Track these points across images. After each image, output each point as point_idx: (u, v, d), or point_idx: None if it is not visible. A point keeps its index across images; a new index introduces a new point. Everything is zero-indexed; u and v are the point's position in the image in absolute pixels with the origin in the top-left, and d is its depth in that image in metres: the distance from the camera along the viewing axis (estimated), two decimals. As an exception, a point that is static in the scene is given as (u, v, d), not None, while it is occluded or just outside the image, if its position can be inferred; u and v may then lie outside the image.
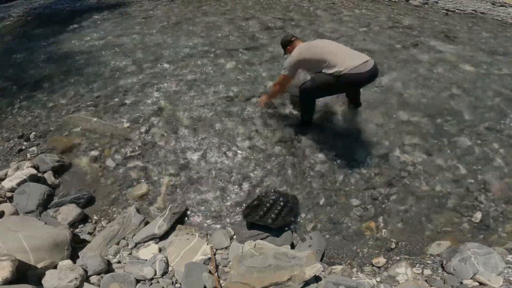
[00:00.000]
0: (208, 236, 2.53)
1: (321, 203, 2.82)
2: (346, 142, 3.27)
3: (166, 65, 4.09)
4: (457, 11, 5.53)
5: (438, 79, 3.98)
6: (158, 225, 2.51)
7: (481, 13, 5.49)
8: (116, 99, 3.65)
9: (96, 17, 5.00)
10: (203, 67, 4.08)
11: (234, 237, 2.51)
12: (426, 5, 5.74)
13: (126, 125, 3.39)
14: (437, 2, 5.76)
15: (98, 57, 4.22)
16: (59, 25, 4.84)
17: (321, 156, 3.15)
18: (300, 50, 2.96)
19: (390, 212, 2.78)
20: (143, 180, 2.96)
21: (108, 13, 5.07)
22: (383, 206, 2.82)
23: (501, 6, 5.57)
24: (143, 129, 3.35)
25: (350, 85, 2.95)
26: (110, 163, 3.08)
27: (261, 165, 3.08)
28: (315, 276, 1.98)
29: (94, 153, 3.15)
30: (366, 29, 5.24)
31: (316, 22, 5.34)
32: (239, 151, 3.19)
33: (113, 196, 2.86)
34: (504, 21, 5.37)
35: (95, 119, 3.43)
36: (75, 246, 2.38)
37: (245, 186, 2.94)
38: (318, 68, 2.86)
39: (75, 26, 4.77)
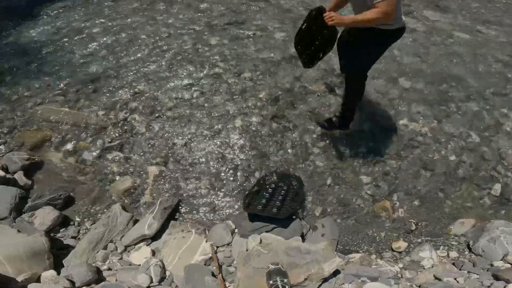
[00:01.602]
0: (207, 232, 2.25)
1: (328, 183, 2.57)
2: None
3: (142, 47, 3.70)
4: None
5: (435, 47, 3.79)
6: (148, 224, 2.21)
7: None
8: (87, 86, 3.28)
9: (60, 5, 4.51)
10: (184, 46, 3.71)
11: (236, 231, 2.22)
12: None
13: (100, 112, 3.03)
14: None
15: (64, 45, 3.80)
16: (19, 16, 4.34)
17: (323, 130, 2.87)
18: None
19: (404, 188, 2.56)
20: (126, 173, 2.63)
21: (73, 1, 4.60)
22: (396, 181, 2.59)
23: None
24: (120, 116, 2.99)
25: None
26: (87, 156, 2.73)
27: (257, 145, 2.79)
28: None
29: (68, 146, 2.80)
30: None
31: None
32: (231, 131, 2.88)
33: (95, 193, 2.56)
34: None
35: (65, 109, 3.05)
36: (59, 253, 2.16)
37: (242, 170, 2.65)
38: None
39: (37, 16, 4.29)
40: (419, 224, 2.36)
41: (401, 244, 2.21)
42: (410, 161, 2.70)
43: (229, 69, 3.40)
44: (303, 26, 2.41)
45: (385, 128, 2.91)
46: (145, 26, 4.02)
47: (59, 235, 2.33)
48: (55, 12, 4.42)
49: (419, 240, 2.26)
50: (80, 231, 2.38)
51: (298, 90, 3.20)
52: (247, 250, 1.96)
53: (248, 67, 3.43)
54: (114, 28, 4.00)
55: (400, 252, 2.19)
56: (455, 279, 1.88)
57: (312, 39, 2.32)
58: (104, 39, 3.84)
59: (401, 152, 2.75)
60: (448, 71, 3.47)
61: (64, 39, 3.88)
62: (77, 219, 2.44)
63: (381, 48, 2.36)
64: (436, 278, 1.88)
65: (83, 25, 4.10)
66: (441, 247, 2.21)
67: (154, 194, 2.52)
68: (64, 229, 2.38)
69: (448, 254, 2.16)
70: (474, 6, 4.68)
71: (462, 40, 3.89)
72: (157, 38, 3.83)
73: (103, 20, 4.15)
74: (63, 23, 4.16)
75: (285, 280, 1.56)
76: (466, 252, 2.17)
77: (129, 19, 4.15)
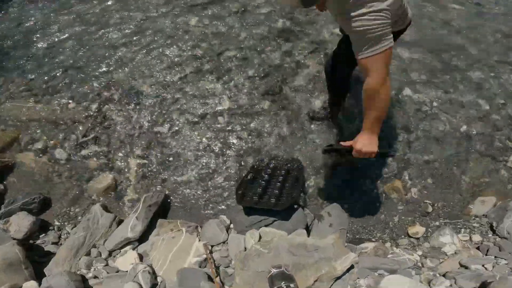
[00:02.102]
0: (199, 230, 1.99)
1: (329, 164, 2.31)
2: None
3: (114, 34, 3.36)
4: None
5: (430, 18, 3.53)
6: (131, 225, 1.96)
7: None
8: (55, 79, 2.96)
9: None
10: (162, 29, 3.37)
11: (231, 226, 1.97)
12: None
13: (71, 105, 2.72)
14: None
15: (27, 38, 3.44)
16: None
17: (319, 104, 2.60)
18: None
19: (415, 164, 2.32)
20: (105, 169, 2.36)
21: None
22: (405, 157, 2.35)
23: None
24: (93, 107, 2.69)
25: None
26: (60, 154, 2.45)
27: (249, 126, 2.52)
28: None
29: (39, 145, 2.51)
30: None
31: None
32: (219, 114, 2.60)
33: (72, 194, 2.30)
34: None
35: (32, 105, 2.75)
36: (40, 261, 2.00)
37: (234, 155, 2.38)
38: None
39: None
40: (436, 205, 2.12)
41: (418, 229, 1.98)
42: (419, 134, 2.46)
43: (212, 49, 3.09)
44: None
45: None
46: (117, 13, 3.64)
47: (39, 241, 2.12)
48: (19, 6, 4.04)
49: (437, 223, 2.03)
50: (61, 236, 2.16)
51: (289, 65, 2.90)
52: (245, 250, 1.71)
53: (232, 45, 3.12)
54: (83, 17, 3.63)
55: (417, 238, 1.96)
56: (483, 265, 1.65)
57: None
58: (72, 29, 3.49)
59: (408, 125, 2.51)
60: (447, 41, 3.24)
61: (28, 32, 3.53)
62: (57, 223, 2.21)
63: None
64: (462, 265, 1.66)
65: (47, 18, 3.72)
66: (462, 230, 1.98)
67: (138, 190, 2.26)
68: (43, 234, 2.16)
69: (470, 237, 1.93)
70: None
71: (456, 11, 3.66)
72: (131, 23, 3.47)
73: (70, 10, 3.77)
74: (26, 17, 3.79)
75: (292, 286, 1.31)
76: (490, 235, 1.95)
77: (99, 7, 3.77)
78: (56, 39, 3.37)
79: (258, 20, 3.36)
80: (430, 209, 2.08)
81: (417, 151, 2.38)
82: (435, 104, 2.65)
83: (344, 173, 2.27)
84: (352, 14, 1.31)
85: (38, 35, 3.46)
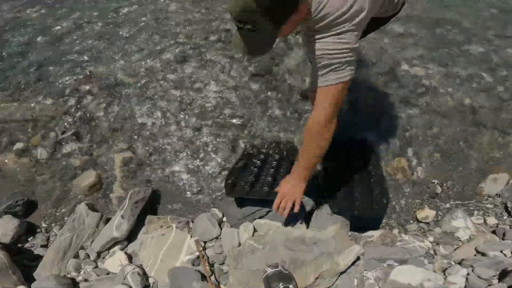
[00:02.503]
0: (190, 225, 1.85)
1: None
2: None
3: (89, 26, 3.19)
4: None
5: None
6: (116, 225, 1.82)
7: None
8: (30, 75, 2.81)
9: None
10: (139, 17, 3.21)
11: (224, 219, 1.83)
12: None
13: (48, 101, 2.57)
14: None
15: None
16: None
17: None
18: None
19: (419, 140, 2.17)
20: (88, 166, 2.22)
21: None
22: (407, 134, 2.20)
23: None
24: (72, 102, 2.53)
25: None
26: (41, 153, 2.31)
27: (238, 110, 2.36)
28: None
29: (19, 145, 2.37)
30: None
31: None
32: (206, 100, 2.44)
33: (57, 194, 2.16)
34: None
35: (9, 104, 2.61)
36: (30, 265, 1.90)
37: (224, 143, 2.23)
38: None
39: None
40: (444, 185, 1.97)
41: (428, 213, 1.83)
42: (420, 109, 2.32)
43: (194, 34, 2.92)
44: None
45: (384, 76, 2.52)
46: (91, 6, 3.49)
47: (28, 245, 2.01)
48: None
49: (448, 206, 1.88)
50: (50, 238, 2.05)
51: (277, 45, 2.73)
52: (239, 245, 1.57)
53: (216, 28, 2.96)
54: (55, 12, 3.47)
55: (427, 223, 1.81)
56: (501, 251, 1.50)
57: None
58: (44, 25, 3.33)
59: (408, 100, 2.37)
60: (441, 15, 3.11)
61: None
62: (44, 225, 2.09)
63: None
64: (478, 252, 1.51)
65: (15, 14, 3.57)
66: (475, 212, 1.83)
67: (125, 186, 2.12)
68: (31, 237, 2.05)
69: (485, 220, 1.79)
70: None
71: None
72: (108, 14, 3.31)
73: (41, 6, 3.61)
74: None
75: (290, 286, 1.17)
76: (506, 217, 1.80)
77: (70, 2, 3.60)
78: (29, 36, 3.22)
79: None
80: (439, 189, 1.92)
81: (420, 126, 2.24)
82: (434, 78, 2.52)
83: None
84: (316, 36, 1.12)
85: (10, 33, 3.31)
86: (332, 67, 1.13)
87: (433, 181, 1.98)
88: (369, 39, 2.77)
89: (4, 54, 3.08)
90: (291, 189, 1.36)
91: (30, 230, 2.06)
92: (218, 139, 2.24)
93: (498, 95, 2.41)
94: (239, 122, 2.30)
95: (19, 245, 1.99)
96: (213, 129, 2.29)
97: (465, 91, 2.43)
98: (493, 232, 1.69)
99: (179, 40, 2.90)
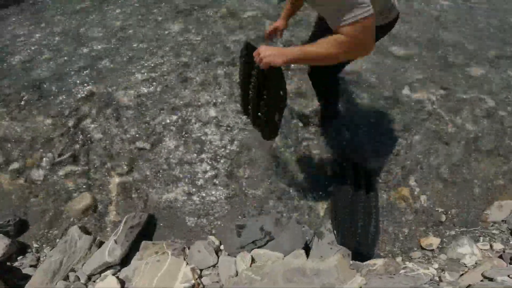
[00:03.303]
0: (187, 252, 1.79)
1: (329, 172, 2.12)
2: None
3: (92, 44, 3.21)
4: None
5: (419, 14, 3.45)
6: (108, 250, 1.76)
7: None
8: (31, 93, 2.79)
9: (3, 13, 4.01)
10: (143, 37, 3.23)
11: (222, 247, 1.76)
12: None
13: (48, 121, 2.55)
14: None
15: (4, 52, 3.30)
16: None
17: (314, 112, 2.44)
18: None
19: (421, 169, 2.13)
20: (84, 189, 2.17)
21: (15, 7, 4.08)
22: (410, 162, 2.16)
23: None
24: (71, 123, 2.51)
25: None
26: (36, 174, 2.27)
27: (237, 137, 2.34)
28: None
29: (15, 165, 2.34)
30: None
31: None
32: (206, 125, 2.43)
33: (49, 215, 2.11)
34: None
35: (8, 123, 2.59)
36: (20, 284, 1.85)
37: (222, 170, 2.20)
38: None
39: None
40: (449, 212, 1.92)
41: (432, 240, 1.77)
42: (422, 136, 2.29)
43: (196, 56, 2.93)
44: (240, 77, 1.62)
45: (386, 102, 2.50)
46: (95, 23, 3.52)
47: (16, 263, 1.97)
48: None
49: (453, 233, 1.83)
50: (40, 258, 2.00)
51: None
52: (236, 274, 1.51)
53: (218, 51, 2.97)
54: (59, 29, 3.51)
55: (432, 250, 1.75)
56: (509, 276, 1.44)
57: (258, 93, 1.53)
58: (48, 41, 3.36)
59: (410, 127, 2.34)
60: (441, 36, 3.14)
61: (4, 46, 3.41)
62: (35, 245, 2.04)
63: None
64: (485, 277, 1.45)
65: (23, 30, 3.61)
66: (481, 239, 1.78)
67: (120, 210, 2.06)
68: (21, 257, 2.00)
69: (491, 246, 1.73)
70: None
71: (446, 7, 3.58)
72: (109, 31, 3.34)
73: (47, 23, 3.67)
74: (3, 29, 3.66)
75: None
76: None
77: (77, 19, 3.64)
78: (33, 52, 3.24)
79: (244, 23, 3.26)
80: (443, 217, 1.87)
81: (422, 154, 2.21)
82: (436, 102, 2.50)
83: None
84: None
85: (14, 49, 3.33)
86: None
87: (437, 209, 1.93)
88: (372, 63, 2.78)
89: (8, 68, 3.09)
90: (276, 54, 1.31)
91: (20, 249, 2.02)
92: (216, 167, 2.22)
93: (501, 120, 2.39)
94: (238, 150, 2.27)
95: (8, 263, 1.94)
96: (212, 157, 2.27)
97: (467, 116, 2.41)
98: (500, 257, 1.63)
99: (180, 61, 2.90)
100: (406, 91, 2.58)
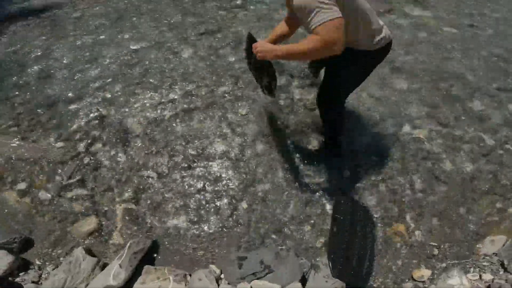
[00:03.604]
0: (188, 278, 1.85)
1: (327, 208, 2.18)
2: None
3: (106, 65, 3.29)
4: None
5: (425, 44, 3.51)
6: (113, 273, 1.82)
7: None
8: (43, 114, 2.85)
9: (19, 24, 4.08)
10: (154, 61, 3.31)
11: (222, 276, 1.82)
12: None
13: (58, 144, 2.61)
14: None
15: (20, 66, 3.38)
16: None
17: (316, 149, 2.51)
18: None
19: (417, 206, 2.19)
20: (90, 212, 2.23)
21: (35, 18, 4.16)
22: (407, 200, 2.23)
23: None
24: (81, 147, 2.58)
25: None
26: (43, 195, 2.33)
27: (242, 170, 2.40)
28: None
29: (22, 185, 2.39)
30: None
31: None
32: (211, 157, 2.49)
33: (55, 235, 2.16)
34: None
35: (19, 143, 2.65)
36: None
37: (226, 201, 2.26)
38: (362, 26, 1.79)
39: None
40: (442, 246, 1.98)
41: (424, 272, 1.84)
42: (420, 174, 2.35)
43: (205, 84, 3.01)
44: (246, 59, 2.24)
45: (387, 139, 2.56)
46: (110, 42, 3.62)
47: (18, 279, 1.98)
48: (13, 32, 3.99)
49: (444, 265, 1.89)
50: (42, 276, 2.03)
51: (286, 103, 2.83)
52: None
53: (226, 80, 3.05)
54: (76, 46, 3.60)
55: (423, 281, 1.82)
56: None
57: (258, 70, 2.15)
58: (64, 58, 3.44)
59: (409, 166, 2.39)
60: (444, 68, 3.18)
61: (21, 59, 3.48)
62: (38, 262, 2.08)
63: (361, 72, 2.02)
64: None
65: (42, 44, 3.70)
66: (472, 270, 1.83)
67: (124, 235, 2.12)
68: (23, 273, 2.02)
69: (480, 276, 1.79)
70: (453, 0, 4.45)
71: (450, 35, 3.66)
72: (123, 54, 3.42)
73: (64, 38, 3.76)
74: (21, 43, 3.74)
75: None
76: (502, 272, 1.79)
77: (93, 36, 3.74)
78: (49, 69, 3.31)
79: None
80: (436, 251, 1.94)
81: (420, 192, 2.26)
82: (436, 141, 2.55)
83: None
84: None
85: (31, 63, 3.41)
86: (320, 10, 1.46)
87: (431, 243, 1.99)
88: (375, 98, 2.84)
89: (23, 84, 3.16)
90: (268, 50, 1.69)
91: (23, 266, 2.05)
92: (220, 197, 2.27)
93: (499, 159, 2.43)
94: (242, 183, 2.33)
95: (10, 278, 1.97)
96: (216, 188, 2.32)
97: (466, 156, 2.45)
98: (488, 287, 1.69)
99: (189, 88, 2.98)
100: (407, 128, 2.62)
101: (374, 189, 2.26)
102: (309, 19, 1.49)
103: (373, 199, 2.21)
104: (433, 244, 1.98)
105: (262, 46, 1.71)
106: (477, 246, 1.98)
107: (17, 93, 3.07)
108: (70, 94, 3.00)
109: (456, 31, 3.70)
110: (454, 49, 3.42)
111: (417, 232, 2.05)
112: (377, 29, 1.82)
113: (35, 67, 3.35)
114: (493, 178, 2.33)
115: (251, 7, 4.10)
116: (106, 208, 2.25)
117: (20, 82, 3.19)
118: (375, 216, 2.13)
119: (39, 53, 3.54)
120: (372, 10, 1.85)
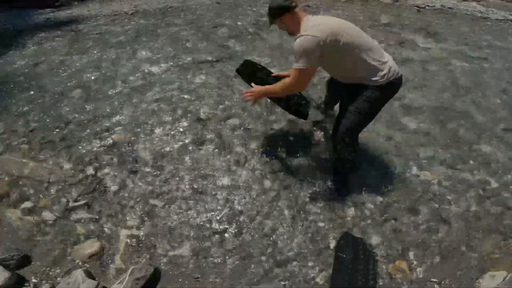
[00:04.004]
0: (189, 307, 1.83)
1: (331, 246, 2.20)
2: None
3: (120, 87, 3.40)
4: (427, 7, 5.43)
5: (434, 79, 3.62)
6: (115, 298, 1.79)
7: (448, 8, 5.39)
8: (55, 133, 2.90)
9: (43, 35, 4.28)
10: (167, 84, 3.42)
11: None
12: (397, 3, 5.52)
13: (68, 166, 2.65)
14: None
15: (38, 80, 3.48)
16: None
17: (323, 186, 2.55)
18: (321, 24, 1.99)
19: (420, 245, 2.21)
20: (93, 235, 2.24)
21: (57, 30, 4.37)
22: (410, 238, 2.25)
23: (464, 0, 5.63)
24: (90, 171, 2.62)
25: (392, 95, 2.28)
26: (47, 216, 2.34)
27: (247, 206, 2.44)
28: None
29: (27, 204, 2.40)
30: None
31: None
32: (218, 190, 2.53)
33: (55, 254, 2.15)
34: (473, 15, 5.22)
35: (27, 161, 2.68)
36: None
37: (231, 235, 2.28)
38: (357, 65, 2.05)
39: (17, 47, 4.04)
40: (442, 282, 2.00)
41: (425, 307, 1.84)
42: (425, 215, 2.38)
43: (215, 114, 3.09)
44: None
45: (394, 180, 2.59)
46: (126, 62, 3.76)
47: None
48: (38, 43, 4.16)
49: (445, 299, 1.90)
50: None
51: (295, 137, 2.90)
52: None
53: (237, 111, 3.13)
54: (94, 63, 3.73)
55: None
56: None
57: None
58: (81, 75, 3.54)
59: (415, 207, 2.43)
60: (453, 105, 3.26)
61: (40, 74, 3.59)
62: (34, 280, 2.06)
63: (373, 106, 2.18)
64: None
65: (62, 58, 3.83)
66: (472, 302, 1.84)
67: (126, 261, 2.11)
68: None
69: (479, 309, 1.80)
70: (463, 31, 4.67)
71: (459, 68, 3.77)
72: (138, 76, 3.55)
73: (83, 54, 3.91)
74: (42, 56, 3.88)
75: None
76: None
77: (110, 54, 3.89)
78: (63, 87, 3.40)
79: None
80: (436, 287, 1.96)
81: (424, 231, 2.29)
82: (443, 183, 2.58)
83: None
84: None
85: (48, 78, 3.50)
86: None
87: (432, 279, 2.01)
88: (385, 137, 2.90)
89: (39, 101, 3.23)
90: (257, 91, 2.29)
91: (18, 282, 2.02)
92: (225, 231, 2.29)
93: (504, 202, 2.46)
94: (247, 218, 2.36)
95: None
96: (221, 221, 2.35)
97: (471, 198, 2.48)
98: None
99: (200, 118, 3.05)
100: (414, 170, 2.64)
101: (379, 228, 2.29)
102: (295, 60, 2.00)
103: (377, 238, 2.23)
104: (434, 280, 1.99)
105: (252, 91, 2.29)
106: (478, 280, 2.00)
107: (32, 109, 3.14)
108: (82, 116, 3.06)
109: (466, 64, 3.81)
110: (463, 84, 3.50)
111: (418, 269, 2.06)
112: (379, 65, 2.02)
113: (52, 83, 3.44)
114: (497, 219, 2.36)
115: (264, 35, 4.31)
116: (109, 232, 2.26)
117: (35, 98, 3.26)
118: (378, 253, 2.14)
119: (58, 68, 3.65)
120: (377, 47, 2.08)
